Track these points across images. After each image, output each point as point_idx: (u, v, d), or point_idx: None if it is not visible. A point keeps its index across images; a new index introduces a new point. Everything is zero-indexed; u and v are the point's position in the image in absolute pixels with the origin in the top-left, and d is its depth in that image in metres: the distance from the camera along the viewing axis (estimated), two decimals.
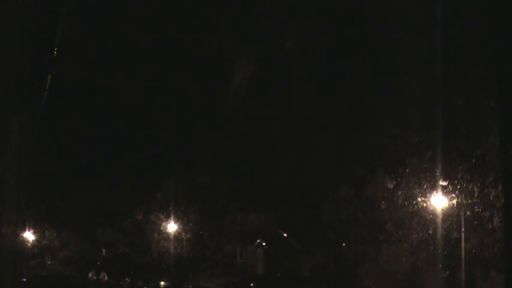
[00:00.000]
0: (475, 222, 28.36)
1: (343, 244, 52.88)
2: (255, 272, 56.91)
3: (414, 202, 30.87)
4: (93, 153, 58.88)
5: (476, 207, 27.97)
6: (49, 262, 68.00)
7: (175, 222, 53.96)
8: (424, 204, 30.65)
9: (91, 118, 57.04)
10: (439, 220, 30.12)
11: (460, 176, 28.20)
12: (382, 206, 34.49)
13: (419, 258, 33.60)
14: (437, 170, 28.92)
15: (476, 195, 27.70)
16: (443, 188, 29.32)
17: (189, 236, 53.97)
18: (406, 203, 31.20)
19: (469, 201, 28.19)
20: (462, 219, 28.96)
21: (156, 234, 55.17)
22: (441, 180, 29.03)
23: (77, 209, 63.29)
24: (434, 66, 28.43)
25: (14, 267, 8.30)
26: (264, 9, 43.69)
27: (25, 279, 44.70)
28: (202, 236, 55.00)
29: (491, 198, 26.81)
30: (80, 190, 60.96)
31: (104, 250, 65.76)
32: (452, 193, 29.07)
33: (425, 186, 30.20)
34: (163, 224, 54.66)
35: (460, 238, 29.31)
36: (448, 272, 31.57)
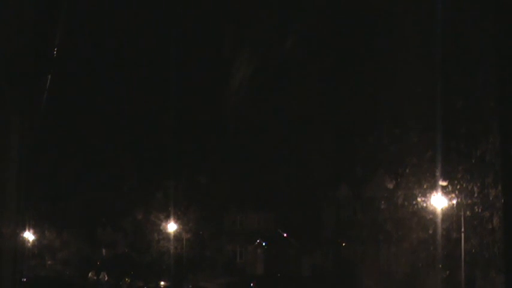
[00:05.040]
0: (475, 222, 28.35)
1: (343, 244, 52.92)
2: (255, 272, 56.91)
3: (414, 202, 30.86)
4: (93, 153, 58.91)
5: (476, 207, 27.96)
6: (49, 262, 68.00)
7: (175, 222, 53.99)
8: (424, 204, 30.64)
9: (91, 118, 57.07)
10: (439, 220, 30.11)
11: (460, 176, 28.19)
12: (382, 206, 34.51)
13: (419, 258, 33.59)
14: (437, 170, 28.91)
15: (476, 195, 27.69)
16: (443, 188, 29.31)
17: (189, 236, 54.00)
18: (406, 203, 31.19)
19: (469, 201, 28.18)
20: (462, 219, 28.96)
21: (156, 234, 55.20)
22: (441, 180, 29.02)
23: (77, 209, 63.29)
24: (434, 66, 28.43)
25: (14, 267, 8.29)
26: (263, 7, 43.68)
27: (25, 279, 44.66)
28: (202, 236, 55.04)
29: (491, 198, 26.79)
30: (80, 190, 60.99)
31: (104, 250, 65.77)
32: (452, 193, 29.07)
33: (425, 186, 30.18)
34: (163, 224, 54.69)
35: (460, 238, 29.31)
36: (448, 272, 31.57)
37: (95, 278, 55.69)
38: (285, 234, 57.34)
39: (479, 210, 27.80)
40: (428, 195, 30.44)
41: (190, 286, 49.71)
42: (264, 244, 58.09)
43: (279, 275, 51.47)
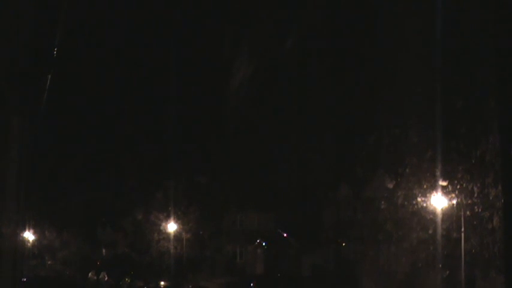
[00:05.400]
0: (475, 222, 28.35)
1: (343, 244, 52.90)
2: (255, 272, 56.89)
3: (414, 202, 30.86)
4: (93, 153, 58.92)
5: (476, 207, 27.96)
6: (49, 262, 67.99)
7: (175, 222, 53.98)
8: (424, 204, 30.64)
9: (91, 118, 57.08)
10: (439, 220, 30.11)
11: (460, 176, 28.19)
12: (382, 206, 34.47)
13: (419, 258, 33.58)
14: (437, 170, 28.91)
15: (476, 195, 27.68)
16: (443, 188, 29.31)
17: (189, 236, 54.00)
18: (406, 203, 31.19)
19: (469, 201, 28.18)
20: (462, 219, 28.96)
21: (156, 234, 55.22)
22: (441, 180, 29.02)
23: (77, 209, 63.28)
24: (434, 66, 28.43)
25: (14, 267, 8.30)
26: (263, 7, 43.70)
27: (25, 279, 44.65)
28: (202, 236, 55.05)
29: (491, 198, 26.78)
30: (80, 190, 60.97)
31: (104, 250, 65.76)
32: (452, 193, 29.07)
33: (425, 186, 30.18)
34: (163, 224, 54.69)
35: (460, 238, 29.31)
36: (448, 272, 31.56)
37: (95, 278, 55.67)
38: (285, 234, 57.31)
39: (479, 210, 27.80)
40: (428, 195, 30.44)
41: (190, 286, 49.70)
42: (264, 244, 58.07)
43: (279, 275, 51.45)
